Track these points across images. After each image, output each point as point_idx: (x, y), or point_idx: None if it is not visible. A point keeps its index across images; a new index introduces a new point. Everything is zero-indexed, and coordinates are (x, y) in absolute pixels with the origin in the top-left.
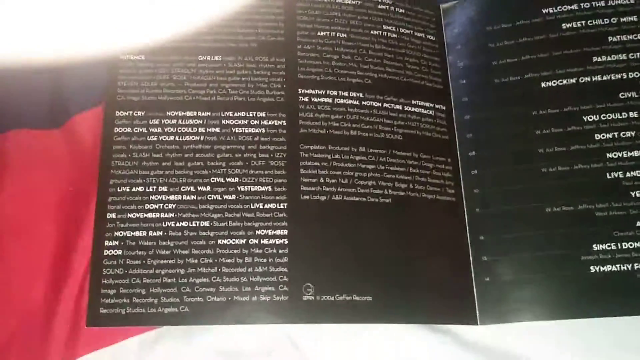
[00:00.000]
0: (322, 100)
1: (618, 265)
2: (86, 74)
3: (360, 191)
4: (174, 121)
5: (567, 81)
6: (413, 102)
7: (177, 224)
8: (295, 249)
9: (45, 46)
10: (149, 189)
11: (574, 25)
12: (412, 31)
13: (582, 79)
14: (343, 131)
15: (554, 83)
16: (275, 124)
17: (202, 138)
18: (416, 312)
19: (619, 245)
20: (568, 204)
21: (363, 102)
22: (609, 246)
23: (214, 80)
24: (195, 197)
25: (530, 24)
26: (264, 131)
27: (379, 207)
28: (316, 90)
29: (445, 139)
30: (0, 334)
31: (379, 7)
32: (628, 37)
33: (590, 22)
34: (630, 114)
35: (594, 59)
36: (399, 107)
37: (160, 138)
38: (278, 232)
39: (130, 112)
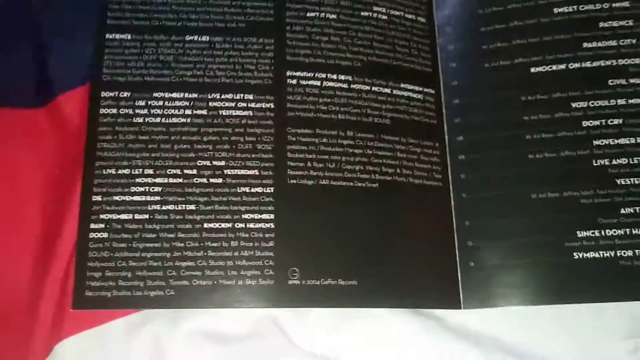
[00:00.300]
0: (310, 83)
1: (601, 252)
2: (71, 52)
3: (348, 176)
4: (161, 103)
5: (556, 67)
6: (402, 85)
7: (163, 207)
8: (281, 234)
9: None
10: (134, 171)
11: (566, 10)
12: (402, 12)
13: (571, 65)
14: (331, 115)
15: (544, 69)
16: (263, 106)
17: (188, 120)
18: (401, 297)
19: (602, 232)
20: (554, 190)
21: (352, 86)
22: (592, 233)
23: (201, 62)
24: (181, 181)
25: (521, 8)
26: (251, 114)
27: (366, 192)
28: (305, 73)
29: (434, 124)
30: None
31: None
32: (619, 23)
33: (581, 7)
34: (619, 101)
35: (584, 44)
36: (388, 90)
37: (146, 120)
38: (264, 216)
39: (116, 93)
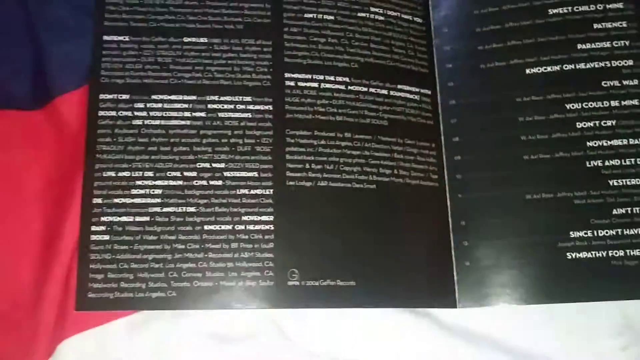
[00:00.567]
0: (308, 84)
1: (594, 252)
2: (68, 54)
3: (345, 177)
4: (160, 105)
5: (551, 68)
6: (399, 86)
7: (164, 210)
8: (280, 235)
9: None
10: (134, 174)
11: (560, 11)
12: (399, 13)
13: (566, 67)
14: (329, 116)
15: (539, 70)
16: (262, 108)
17: (187, 123)
18: (398, 297)
19: (595, 232)
20: (548, 191)
21: (349, 87)
22: (585, 233)
23: (199, 63)
24: (181, 183)
25: (516, 9)
26: (250, 116)
27: (364, 193)
28: (302, 75)
29: (430, 124)
30: None
31: None
32: (613, 24)
33: (576, 9)
34: (612, 102)
35: (579, 46)
36: (385, 91)
37: (145, 122)
38: (264, 217)
39: (115, 96)
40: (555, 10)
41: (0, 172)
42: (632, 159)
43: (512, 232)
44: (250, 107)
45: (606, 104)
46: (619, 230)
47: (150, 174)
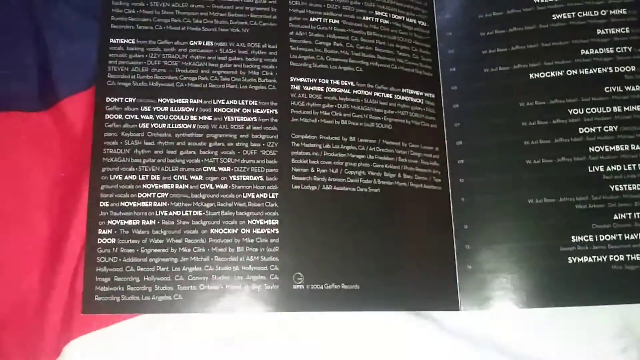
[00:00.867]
0: (313, 89)
1: (595, 257)
2: (75, 56)
3: (350, 181)
4: (166, 108)
5: (554, 73)
6: (403, 90)
7: (170, 213)
8: (285, 239)
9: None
10: (141, 177)
11: (564, 17)
12: (403, 17)
13: (569, 72)
14: (334, 120)
15: (542, 75)
16: (267, 112)
17: (194, 126)
18: (401, 300)
19: (596, 237)
20: (550, 196)
21: (354, 91)
22: (586, 238)
23: (205, 67)
24: (187, 187)
25: (521, 13)
26: (255, 120)
27: (368, 197)
28: (308, 79)
29: (434, 128)
30: None
31: None
32: (616, 30)
33: (580, 14)
34: (614, 108)
35: (582, 51)
36: (389, 95)
37: (151, 126)
38: (269, 221)
39: (121, 99)
40: (559, 16)
41: (6, 173)
42: (634, 165)
43: (514, 236)
44: (256, 111)
45: (608, 109)
46: (620, 235)
47: (157, 177)
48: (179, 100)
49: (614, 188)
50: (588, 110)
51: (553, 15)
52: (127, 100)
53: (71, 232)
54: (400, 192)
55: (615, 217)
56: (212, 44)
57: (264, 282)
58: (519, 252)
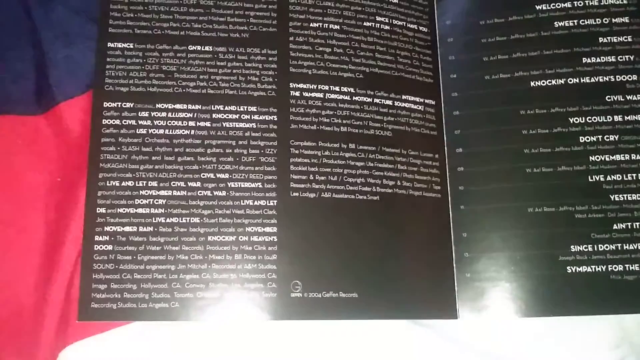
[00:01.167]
0: (313, 95)
1: (593, 266)
2: (72, 60)
3: (349, 188)
4: (164, 114)
5: (555, 81)
6: (403, 97)
7: (168, 220)
8: (284, 246)
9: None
10: (138, 183)
11: (566, 24)
12: (404, 22)
13: (570, 80)
14: (333, 127)
15: (543, 83)
16: (266, 119)
17: (192, 132)
18: (399, 308)
19: (595, 247)
20: (549, 204)
21: (354, 97)
22: (585, 247)
23: (204, 72)
24: (185, 193)
25: (523, 20)
26: (254, 126)
27: (367, 204)
28: (308, 85)
29: (434, 135)
30: None
31: None
32: (618, 38)
33: (582, 22)
34: (615, 117)
35: (584, 60)
36: (389, 102)
37: (149, 131)
38: (267, 229)
39: (119, 104)
40: (561, 23)
41: (2, 177)
42: (634, 174)
43: (513, 244)
44: (255, 117)
45: (610, 118)
46: (619, 244)
47: (154, 183)
48: (178, 106)
49: (614, 198)
50: (589, 119)
51: (555, 23)
52: (124, 105)
53: (67, 237)
54: (400, 200)
55: (615, 227)
56: (211, 49)
57: (262, 290)
58: (517, 261)
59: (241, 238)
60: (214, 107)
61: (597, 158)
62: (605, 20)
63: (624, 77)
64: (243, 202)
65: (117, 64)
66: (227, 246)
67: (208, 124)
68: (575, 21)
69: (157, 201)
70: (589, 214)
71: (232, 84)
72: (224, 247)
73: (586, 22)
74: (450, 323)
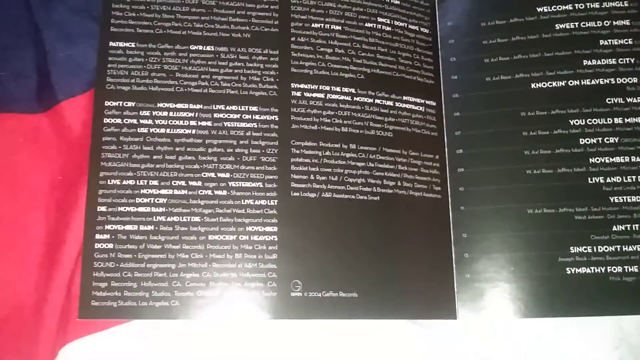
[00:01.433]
0: (314, 95)
1: (592, 268)
2: (74, 59)
3: (350, 189)
4: (165, 113)
5: (556, 83)
6: (404, 98)
7: (168, 219)
8: (284, 246)
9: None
10: (139, 182)
11: (567, 26)
12: (406, 24)
13: (571, 82)
14: (334, 127)
15: (544, 85)
16: (267, 118)
17: (193, 132)
18: (399, 308)
19: (594, 248)
20: (549, 206)
21: (355, 98)
22: (585, 249)
23: (206, 72)
24: (186, 192)
25: (524, 22)
26: (255, 126)
27: (367, 204)
28: (309, 85)
29: (435, 136)
30: None
31: None
32: (619, 41)
33: (583, 24)
34: (615, 119)
35: (584, 62)
36: (390, 103)
37: (151, 130)
38: (268, 228)
39: (120, 103)
40: (562, 25)
41: (3, 175)
42: (634, 176)
43: (513, 245)
44: (256, 117)
45: (610, 120)
46: (618, 246)
47: (155, 182)
48: (179, 105)
49: (614, 199)
50: (589, 121)
51: (556, 25)
52: (126, 104)
53: (68, 236)
54: (400, 200)
55: (614, 228)
56: (212, 49)
57: (262, 289)
58: (517, 262)
59: (242, 237)
60: (215, 106)
61: (597, 160)
62: (606, 23)
63: (624, 80)
64: (244, 202)
65: (119, 63)
66: (228, 245)
67: (209, 123)
68: (576, 23)
69: (157, 200)
70: (589, 216)
71: (233, 84)
72: (225, 246)
73: (587, 25)
74: (450, 323)
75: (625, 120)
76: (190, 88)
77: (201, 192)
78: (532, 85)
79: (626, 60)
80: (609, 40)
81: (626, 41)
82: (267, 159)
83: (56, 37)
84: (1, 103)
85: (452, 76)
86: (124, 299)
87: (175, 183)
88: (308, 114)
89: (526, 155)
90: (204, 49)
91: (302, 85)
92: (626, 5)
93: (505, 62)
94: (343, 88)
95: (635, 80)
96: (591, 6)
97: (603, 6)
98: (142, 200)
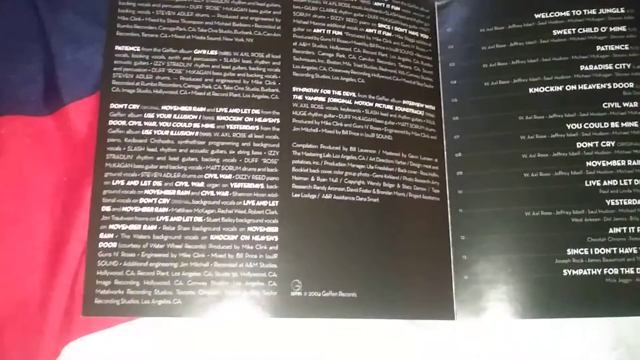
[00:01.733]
0: (315, 99)
1: (589, 270)
2: (80, 62)
3: (350, 190)
4: (169, 116)
5: (553, 88)
6: (404, 102)
7: (171, 219)
8: (284, 246)
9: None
10: (143, 183)
11: (565, 32)
12: (406, 29)
13: (568, 87)
14: (335, 130)
15: (541, 89)
16: (269, 121)
17: (196, 134)
18: (397, 308)
19: (591, 250)
20: (546, 208)
21: (355, 102)
22: (582, 251)
23: (209, 76)
24: (189, 193)
25: (522, 28)
26: (257, 128)
27: (367, 206)
28: (310, 89)
29: (434, 140)
30: None
31: (375, 4)
32: (615, 47)
33: (580, 30)
34: (612, 124)
35: (581, 67)
36: (390, 107)
37: (155, 132)
38: (269, 229)
39: (125, 105)
40: (559, 32)
41: (10, 176)
42: (630, 180)
43: (511, 247)
44: (258, 119)
45: (606, 125)
46: (615, 248)
47: (159, 183)
48: (183, 108)
49: (610, 202)
50: (586, 125)
51: (553, 31)
52: (131, 106)
53: (73, 235)
54: (399, 202)
55: (611, 231)
56: (216, 53)
57: (262, 288)
58: (515, 264)
59: (243, 237)
60: (218, 109)
61: (594, 163)
62: (603, 29)
63: (620, 85)
64: (245, 202)
65: (124, 67)
66: (229, 245)
67: (212, 125)
68: (573, 30)
69: (161, 200)
70: (585, 219)
71: (236, 87)
72: (226, 246)
73: (584, 31)
74: (448, 324)
75: (622, 124)
76: (194, 91)
77: (203, 192)
78: (530, 90)
79: (622, 66)
80: (606, 46)
81: (622, 47)
82: (269, 161)
83: (64, 41)
84: (9, 106)
85: (452, 81)
86: (127, 297)
87: (178, 184)
88: (309, 117)
89: (524, 158)
90: (208, 53)
91: (303, 89)
92: (622, 11)
93: (503, 68)
94: (344, 92)
95: (631, 85)
96: (588, 12)
97: (600, 12)
98: (146, 200)
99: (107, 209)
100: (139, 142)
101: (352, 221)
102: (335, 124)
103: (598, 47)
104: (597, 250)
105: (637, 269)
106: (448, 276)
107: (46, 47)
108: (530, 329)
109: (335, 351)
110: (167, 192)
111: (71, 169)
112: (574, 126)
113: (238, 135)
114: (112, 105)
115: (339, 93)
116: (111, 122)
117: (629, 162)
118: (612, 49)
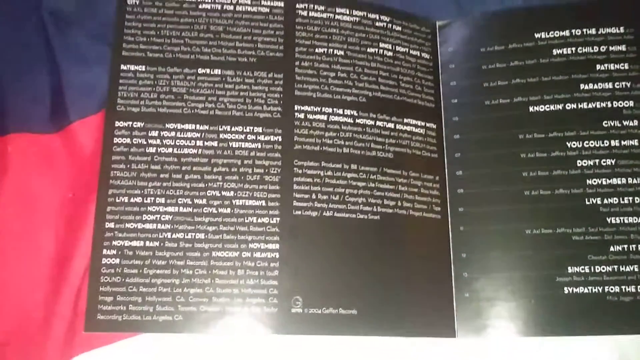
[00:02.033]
0: (317, 117)
1: (590, 288)
2: (86, 81)
3: (351, 208)
4: (173, 134)
5: (554, 107)
6: (405, 120)
7: (173, 236)
8: (285, 263)
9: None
10: (146, 200)
11: (565, 52)
12: (407, 49)
13: (568, 106)
14: (336, 148)
15: (542, 108)
16: (271, 139)
17: (199, 151)
18: (398, 326)
19: (592, 268)
20: (547, 227)
21: (357, 120)
22: (582, 269)
23: (212, 94)
24: (191, 210)
25: (522, 48)
26: (259, 146)
27: (368, 223)
28: (312, 107)
29: (435, 158)
30: None
31: (377, 24)
32: (615, 66)
33: (580, 49)
34: (612, 142)
35: (581, 86)
36: (391, 125)
37: (158, 150)
38: (270, 246)
39: (130, 123)
40: (559, 51)
41: (16, 193)
42: (630, 198)
43: (511, 265)
44: (261, 137)
45: (606, 143)
46: (616, 266)
47: (162, 200)
48: (186, 126)
49: (611, 220)
50: (586, 144)
51: (553, 50)
52: (135, 124)
53: (76, 251)
54: (400, 220)
55: (611, 249)
56: (219, 72)
57: (263, 305)
58: (515, 282)
59: (244, 254)
60: (221, 127)
61: (594, 182)
62: (602, 48)
63: (620, 103)
64: (247, 219)
65: (129, 85)
66: (231, 262)
67: (215, 143)
68: (573, 49)
69: (163, 217)
70: (586, 236)
71: (239, 106)
72: (228, 262)
73: (584, 50)
74: (449, 342)
75: (622, 142)
76: (198, 110)
77: (206, 209)
78: (531, 109)
79: (622, 85)
80: (606, 65)
81: (622, 66)
82: (271, 178)
83: (71, 60)
84: (16, 123)
85: (453, 100)
86: (129, 313)
87: (180, 201)
88: (311, 135)
89: (524, 176)
90: (212, 72)
91: (305, 108)
92: (622, 31)
93: (504, 87)
94: (345, 110)
95: (631, 103)
96: (588, 32)
97: (599, 32)
98: (149, 217)
99: (111, 225)
100: (143, 159)
101: (352, 238)
102: (336, 142)
103: (598, 66)
104: (598, 268)
105: (639, 286)
106: (449, 294)
107: (54, 66)
108: (532, 347)
109: None
110: (169, 208)
111: (77, 185)
112: (574, 144)
113: (240, 152)
114: (117, 123)
115: (340, 111)
116: (116, 140)
117: (630, 180)
118: (612, 68)
